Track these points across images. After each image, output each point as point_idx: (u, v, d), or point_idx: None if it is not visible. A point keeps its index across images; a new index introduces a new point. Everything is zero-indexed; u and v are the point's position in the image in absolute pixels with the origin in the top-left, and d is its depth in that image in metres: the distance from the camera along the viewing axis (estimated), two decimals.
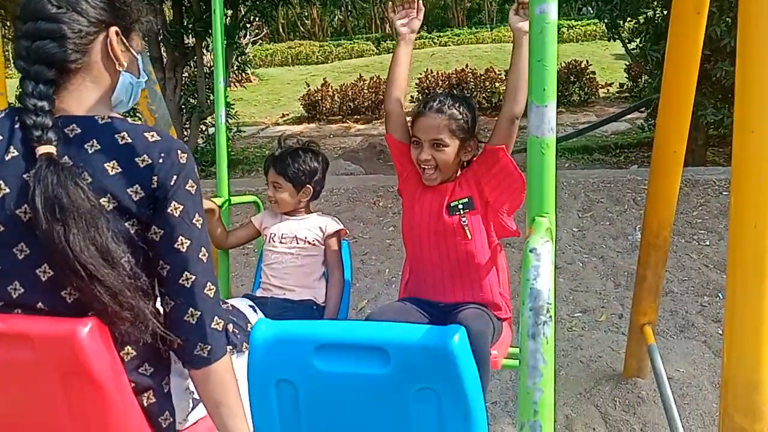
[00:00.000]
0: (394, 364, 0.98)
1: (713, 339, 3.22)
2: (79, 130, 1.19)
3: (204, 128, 8.81)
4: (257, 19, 7.69)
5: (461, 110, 2.00)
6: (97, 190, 1.14)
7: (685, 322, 3.41)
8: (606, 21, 5.96)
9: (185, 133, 7.97)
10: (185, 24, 7.18)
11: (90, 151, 1.17)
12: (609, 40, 6.28)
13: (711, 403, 2.76)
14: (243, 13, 7.29)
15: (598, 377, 3.03)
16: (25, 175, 1.13)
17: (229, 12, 7.39)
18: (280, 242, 2.30)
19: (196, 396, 1.33)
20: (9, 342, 1.08)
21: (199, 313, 1.20)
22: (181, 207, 1.20)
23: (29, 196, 1.09)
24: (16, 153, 1.16)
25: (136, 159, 1.17)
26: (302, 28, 25.58)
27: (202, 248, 1.23)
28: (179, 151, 1.22)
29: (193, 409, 1.37)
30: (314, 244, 2.30)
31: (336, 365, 1.01)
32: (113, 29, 1.25)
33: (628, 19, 6.07)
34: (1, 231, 1.15)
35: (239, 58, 8.64)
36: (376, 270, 4.28)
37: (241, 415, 1.24)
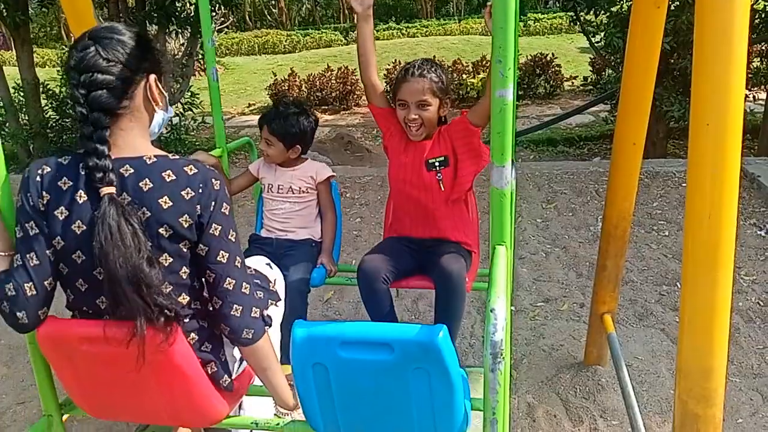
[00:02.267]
0: (397, 353, 1.37)
1: (671, 327, 3.30)
2: (132, 171, 1.43)
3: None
4: (223, 7, 7.54)
5: (437, 73, 2.33)
6: (155, 222, 1.42)
7: (644, 310, 3.48)
8: (571, 12, 6.01)
9: None
10: (147, 11, 7.01)
11: (145, 190, 1.42)
12: (579, 31, 6.30)
13: (668, 390, 2.83)
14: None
15: (560, 365, 3.08)
16: (96, 212, 1.37)
17: (193, 0, 7.24)
18: (278, 192, 2.62)
19: (238, 356, 1.71)
20: (108, 342, 1.42)
21: (241, 307, 1.52)
22: (220, 227, 1.49)
23: (96, 228, 1.35)
24: (85, 196, 1.42)
25: (182, 192, 1.44)
26: (269, 17, 25.25)
27: (237, 257, 1.53)
28: (213, 180, 1.48)
29: (239, 367, 1.75)
30: (308, 192, 2.63)
31: (355, 354, 1.40)
32: (152, 76, 1.50)
33: (594, 12, 6.12)
34: (83, 259, 1.44)
35: (204, 47, 8.48)
36: (342, 261, 4.27)
37: (280, 373, 1.66)
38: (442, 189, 2.37)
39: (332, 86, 12.02)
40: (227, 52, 20.64)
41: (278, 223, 2.63)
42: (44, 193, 1.42)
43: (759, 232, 4.24)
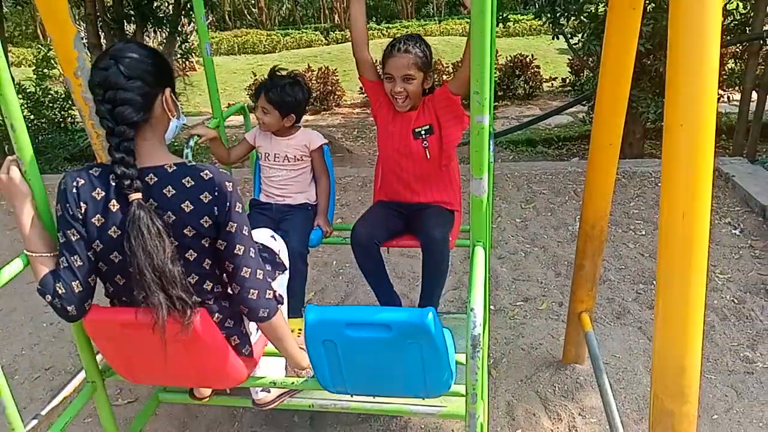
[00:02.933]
0: (394, 332, 1.62)
1: (648, 325, 3.34)
2: (156, 179, 1.64)
3: None
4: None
5: (422, 48, 2.50)
6: (180, 224, 1.64)
7: (621, 309, 3.52)
8: (548, 16, 6.04)
9: None
10: (125, 9, 6.92)
11: (169, 196, 1.63)
12: (553, 38, 6.33)
13: (645, 387, 2.87)
14: (185, 1, 7.06)
15: (539, 364, 3.10)
16: (125, 217, 1.58)
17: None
18: (274, 161, 2.82)
19: (255, 327, 1.95)
20: (141, 327, 1.65)
21: (256, 291, 1.74)
22: (235, 225, 1.69)
23: (126, 229, 1.57)
24: (118, 205, 1.62)
25: (201, 197, 1.64)
26: (249, 17, 25.09)
27: (251, 249, 1.74)
28: (226, 183, 1.67)
29: (256, 336, 1.99)
30: (302, 159, 2.82)
31: (359, 333, 1.65)
32: (168, 90, 1.70)
33: (567, 17, 6.17)
34: (120, 258, 1.67)
35: (182, 46, 8.40)
36: (323, 262, 4.26)
37: (293, 341, 1.92)
38: (428, 156, 2.59)
39: (312, 86, 11.99)
40: None
41: (276, 190, 2.85)
42: (81, 203, 1.63)
43: (734, 231, 4.31)
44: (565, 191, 5.16)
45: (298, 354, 1.95)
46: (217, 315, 1.81)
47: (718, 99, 7.66)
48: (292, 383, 2.01)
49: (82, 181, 1.64)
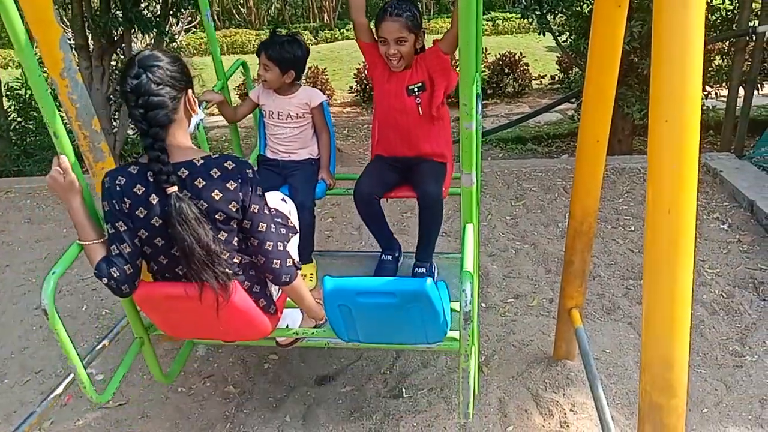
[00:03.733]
0: (398, 298, 1.90)
1: (638, 320, 3.36)
2: (187, 172, 1.86)
3: None
4: (189, 6, 7.40)
5: (412, 11, 2.65)
6: (212, 210, 1.87)
7: (611, 304, 3.54)
8: (536, 15, 6.05)
9: (114, 123, 7.66)
10: (112, 12, 6.87)
11: (200, 186, 1.86)
12: (540, 34, 6.34)
13: (636, 382, 2.87)
14: (172, 2, 7.01)
15: (530, 360, 3.12)
16: (167, 208, 1.82)
17: (159, 0, 7.12)
18: (278, 119, 3.01)
19: (276, 288, 2.25)
20: (188, 298, 1.94)
21: (279, 260, 2.03)
22: (257, 206, 1.95)
23: (169, 219, 1.81)
24: (157, 198, 1.85)
25: (227, 184, 1.88)
26: (238, 17, 24.99)
27: (272, 225, 2.00)
28: (247, 170, 1.92)
29: (278, 295, 2.29)
30: (303, 117, 3.01)
31: (369, 300, 1.94)
32: (189, 91, 1.92)
33: (554, 14, 6.18)
34: (162, 243, 1.93)
35: (169, 46, 8.35)
36: (332, 215, 4.29)
37: (310, 297, 2.23)
38: (421, 112, 2.79)
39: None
40: (195, 52, 20.35)
41: (281, 146, 3.06)
42: (125, 199, 1.86)
43: (722, 226, 4.34)
44: (554, 188, 5.18)
45: (315, 307, 2.27)
46: (246, 283, 2.08)
47: (706, 95, 7.74)
48: (312, 333, 2.36)
49: (123, 180, 1.87)
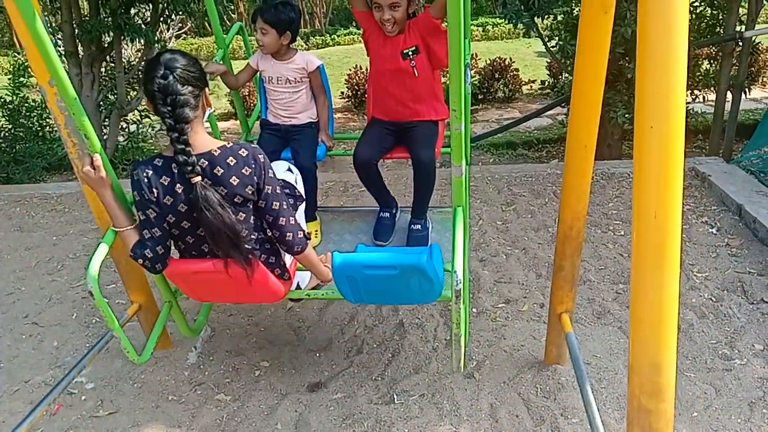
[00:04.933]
0: (398, 270, 2.14)
1: (628, 325, 3.36)
2: (207, 163, 2.06)
3: (125, 125, 8.47)
4: (180, 12, 7.39)
5: None
6: (231, 195, 2.09)
7: (601, 309, 3.55)
8: (524, 22, 6.07)
9: (104, 131, 7.63)
10: (102, 18, 6.85)
11: (219, 174, 2.07)
12: (524, 37, 6.34)
13: (626, 387, 2.87)
14: (162, 7, 6.99)
15: (521, 365, 3.12)
16: (191, 195, 2.04)
17: (149, 7, 7.10)
18: (277, 83, 3.15)
19: (288, 257, 2.50)
20: (216, 272, 2.22)
21: (291, 233, 2.27)
22: (270, 186, 2.18)
23: (195, 203, 2.02)
24: (182, 187, 2.08)
25: (243, 171, 2.10)
26: (229, 23, 25.01)
27: (284, 203, 2.23)
28: (259, 155, 2.14)
29: (290, 263, 2.53)
30: (301, 81, 3.15)
31: (373, 272, 2.17)
32: (206, 89, 2.12)
33: (541, 17, 6.20)
34: (189, 225, 2.16)
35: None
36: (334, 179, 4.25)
37: (320, 263, 2.50)
38: (416, 74, 2.96)
39: None
40: None
41: (282, 110, 3.21)
42: (153, 189, 2.07)
43: (710, 230, 4.36)
44: (544, 193, 5.20)
45: (324, 271, 2.51)
46: (263, 256, 2.33)
47: (694, 99, 7.78)
48: (322, 294, 2.65)
49: (150, 172, 2.08)
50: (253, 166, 2.12)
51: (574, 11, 6.38)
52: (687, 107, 7.69)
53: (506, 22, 5.74)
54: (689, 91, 7.55)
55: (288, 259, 2.51)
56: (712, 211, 4.65)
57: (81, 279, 2.04)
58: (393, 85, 3.04)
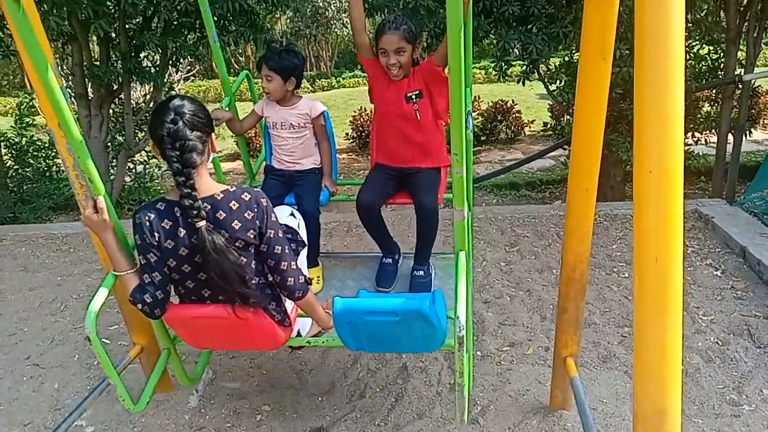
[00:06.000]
0: (400, 316, 2.11)
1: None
2: (209, 206, 2.06)
3: (132, 166, 8.56)
4: (189, 56, 7.55)
5: (408, 24, 2.87)
6: (233, 239, 2.07)
7: (607, 352, 3.51)
8: (524, 64, 6.16)
9: (111, 171, 7.71)
10: (112, 62, 6.99)
11: (221, 218, 2.06)
12: (521, 83, 6.40)
13: None
14: (172, 52, 7.14)
15: (526, 410, 3.08)
16: (192, 239, 2.05)
17: (159, 51, 7.25)
18: (282, 128, 3.17)
19: (291, 304, 2.45)
20: (215, 318, 2.22)
21: (293, 279, 2.24)
22: (273, 231, 2.16)
23: (200, 247, 2.02)
24: (184, 231, 2.06)
25: (245, 214, 2.09)
26: (236, 65, 25.45)
27: (285, 247, 2.21)
28: (262, 199, 2.14)
29: (291, 309, 2.46)
30: (305, 126, 3.17)
31: (374, 318, 2.13)
32: (213, 134, 2.14)
33: (545, 62, 6.30)
34: (189, 269, 2.14)
35: (167, 95, 8.48)
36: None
37: (321, 309, 2.45)
38: (419, 117, 2.99)
39: None
40: None
41: (286, 156, 3.22)
42: (155, 233, 2.06)
43: (715, 272, 4.35)
44: (548, 234, 5.20)
45: (324, 317, 2.46)
46: (263, 302, 2.27)
47: (696, 142, 7.83)
48: (323, 342, 2.58)
49: (152, 215, 2.07)
50: (256, 210, 2.11)
51: (574, 56, 6.48)
52: (688, 149, 7.76)
53: (496, 69, 5.86)
54: (690, 133, 7.61)
55: (289, 305, 2.46)
56: (716, 253, 4.63)
57: (84, 320, 2.00)
58: (396, 129, 3.06)
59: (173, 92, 8.76)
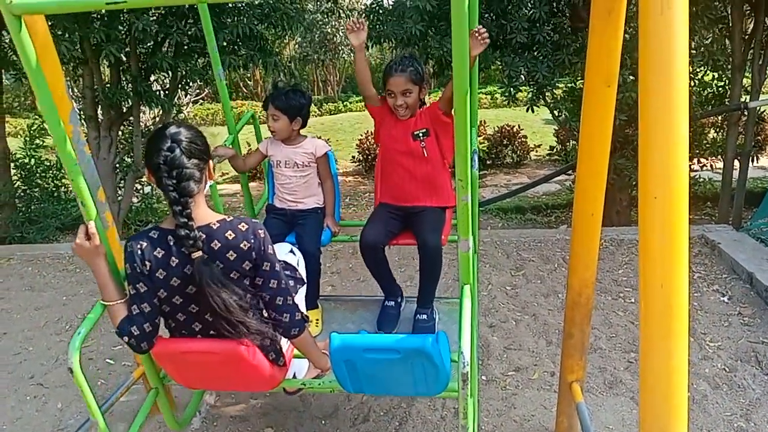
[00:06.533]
0: (402, 354, 1.99)
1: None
2: (205, 236, 1.96)
3: (140, 187, 8.62)
4: (198, 79, 7.66)
5: (415, 66, 2.91)
6: (227, 270, 1.98)
7: (613, 378, 3.49)
8: (531, 90, 6.23)
9: (118, 192, 7.77)
10: (122, 84, 7.09)
11: (216, 248, 1.97)
12: (528, 110, 6.49)
13: None
14: (181, 75, 7.24)
15: None
16: (185, 269, 1.97)
17: (168, 74, 7.35)
18: (285, 167, 3.15)
19: (286, 342, 2.34)
20: (209, 354, 2.09)
21: (289, 314, 2.12)
22: (269, 263, 2.05)
23: (195, 278, 1.93)
24: (177, 260, 1.97)
25: (241, 245, 1.99)
26: (245, 89, 25.71)
27: (282, 281, 2.09)
28: (259, 230, 2.03)
29: (287, 348, 2.37)
30: (309, 165, 3.15)
31: (374, 356, 2.02)
32: (210, 162, 2.04)
33: (551, 90, 6.37)
34: (181, 301, 2.05)
35: (176, 117, 8.57)
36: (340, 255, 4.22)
37: (317, 349, 2.32)
38: (426, 155, 2.98)
39: None
40: (202, 122, 20.87)
41: (289, 195, 3.18)
42: (146, 262, 1.96)
43: (722, 299, 4.32)
44: (554, 258, 5.19)
45: (321, 358, 2.33)
46: (257, 340, 2.16)
47: (702, 167, 7.83)
48: (318, 384, 2.47)
49: (145, 244, 1.98)
50: (252, 240, 2.00)
51: (578, 83, 6.54)
52: (694, 175, 7.76)
53: (505, 96, 5.96)
54: (696, 159, 7.63)
55: (284, 343, 2.34)
56: (723, 279, 4.61)
57: (88, 340, 2.00)
58: (402, 165, 3.04)
59: (182, 114, 8.85)
